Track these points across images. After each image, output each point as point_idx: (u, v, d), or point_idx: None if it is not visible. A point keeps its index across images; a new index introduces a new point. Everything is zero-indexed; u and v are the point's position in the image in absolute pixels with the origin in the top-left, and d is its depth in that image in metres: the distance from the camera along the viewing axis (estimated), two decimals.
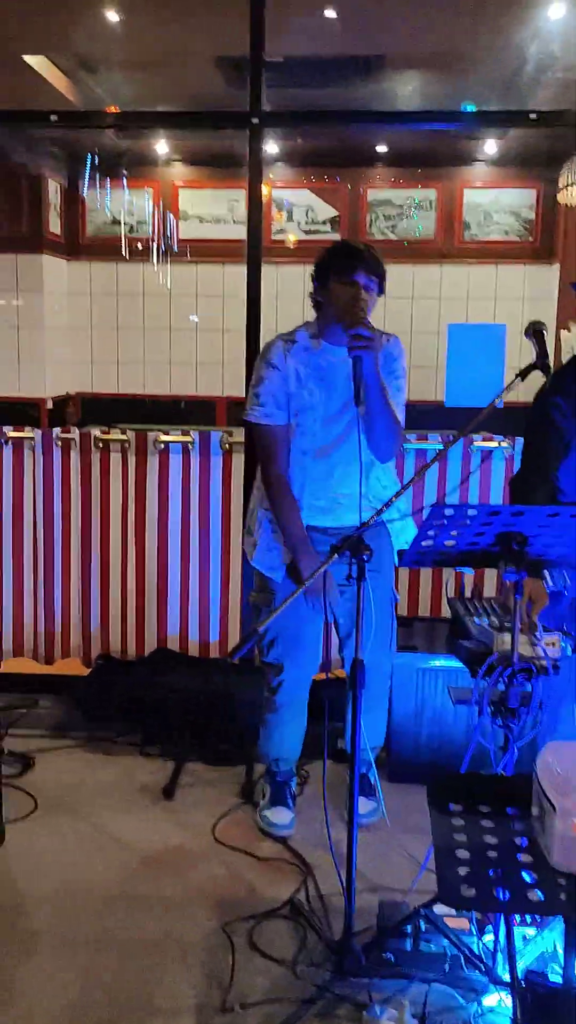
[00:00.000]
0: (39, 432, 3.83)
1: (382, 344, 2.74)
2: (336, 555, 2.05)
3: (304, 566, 2.74)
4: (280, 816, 2.95)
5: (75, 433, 3.84)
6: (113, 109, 5.07)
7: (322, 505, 2.81)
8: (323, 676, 3.59)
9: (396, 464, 3.70)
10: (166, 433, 3.81)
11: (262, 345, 3.50)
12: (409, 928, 2.27)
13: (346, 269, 2.63)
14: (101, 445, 3.80)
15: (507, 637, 2.07)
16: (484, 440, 3.73)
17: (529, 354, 2.27)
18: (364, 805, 2.97)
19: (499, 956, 2.08)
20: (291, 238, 7.31)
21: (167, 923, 2.48)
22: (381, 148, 7.06)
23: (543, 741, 2.46)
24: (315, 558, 2.75)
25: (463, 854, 1.61)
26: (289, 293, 6.99)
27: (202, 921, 2.49)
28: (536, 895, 1.51)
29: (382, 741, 3.13)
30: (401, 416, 2.77)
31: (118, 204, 7.37)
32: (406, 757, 3.23)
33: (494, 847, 1.63)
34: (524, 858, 1.60)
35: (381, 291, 2.70)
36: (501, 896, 1.52)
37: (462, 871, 1.57)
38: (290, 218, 7.39)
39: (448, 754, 3.19)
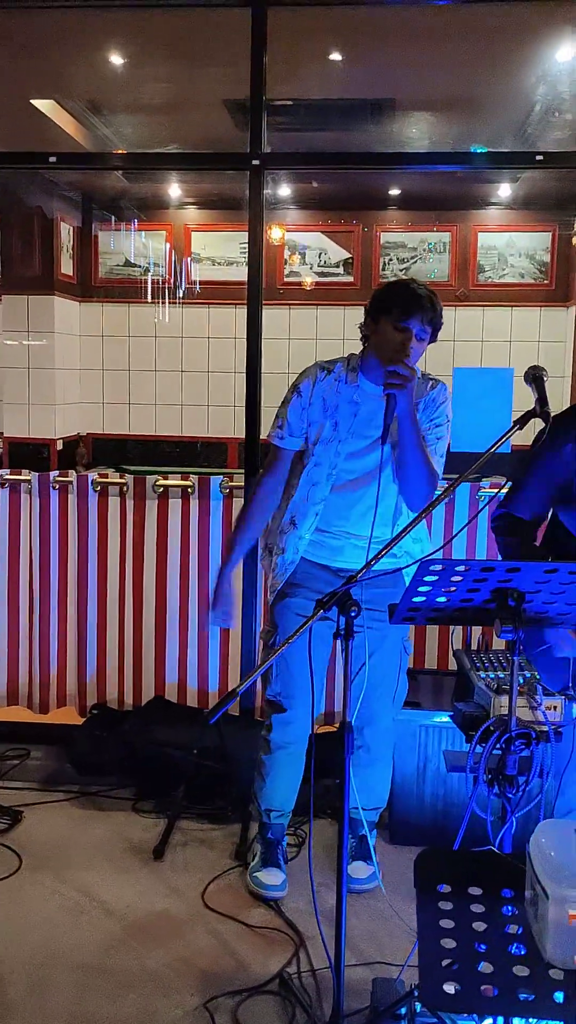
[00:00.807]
0: (36, 476, 3.76)
1: (425, 388, 2.67)
2: (321, 610, 1.94)
3: (218, 584, 2.81)
4: (272, 878, 2.80)
5: (72, 476, 3.76)
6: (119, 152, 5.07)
7: (334, 544, 2.71)
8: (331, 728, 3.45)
9: None
10: (165, 477, 3.72)
11: (267, 387, 3.47)
12: (404, 1010, 2.12)
13: (402, 314, 2.54)
14: (99, 489, 3.72)
15: (505, 700, 1.95)
16: (492, 486, 3.61)
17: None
18: (362, 870, 2.83)
19: None
20: (306, 280, 7.28)
21: (147, 1000, 2.34)
22: (394, 191, 7.04)
23: (561, 812, 2.33)
24: (226, 582, 2.80)
25: (449, 943, 1.48)
26: (302, 335, 6.96)
27: (185, 997, 2.35)
28: (528, 995, 1.37)
29: (384, 802, 2.98)
30: (440, 466, 2.68)
31: (131, 246, 7.38)
32: (408, 818, 3.09)
33: (484, 935, 1.49)
34: (516, 950, 1.46)
35: (433, 340, 2.63)
36: (489, 994, 1.39)
37: (447, 964, 1.43)
38: (303, 260, 7.36)
39: (452, 816, 3.05)
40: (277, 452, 2.75)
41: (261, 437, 3.44)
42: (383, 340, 2.57)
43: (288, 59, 4.18)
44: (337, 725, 3.08)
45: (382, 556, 1.97)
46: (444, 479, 3.77)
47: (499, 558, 3.33)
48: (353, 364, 2.68)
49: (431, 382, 2.70)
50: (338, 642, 2.59)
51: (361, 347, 2.72)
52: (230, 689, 3.56)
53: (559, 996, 1.40)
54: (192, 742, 3.25)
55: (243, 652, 3.60)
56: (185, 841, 3.12)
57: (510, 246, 7.07)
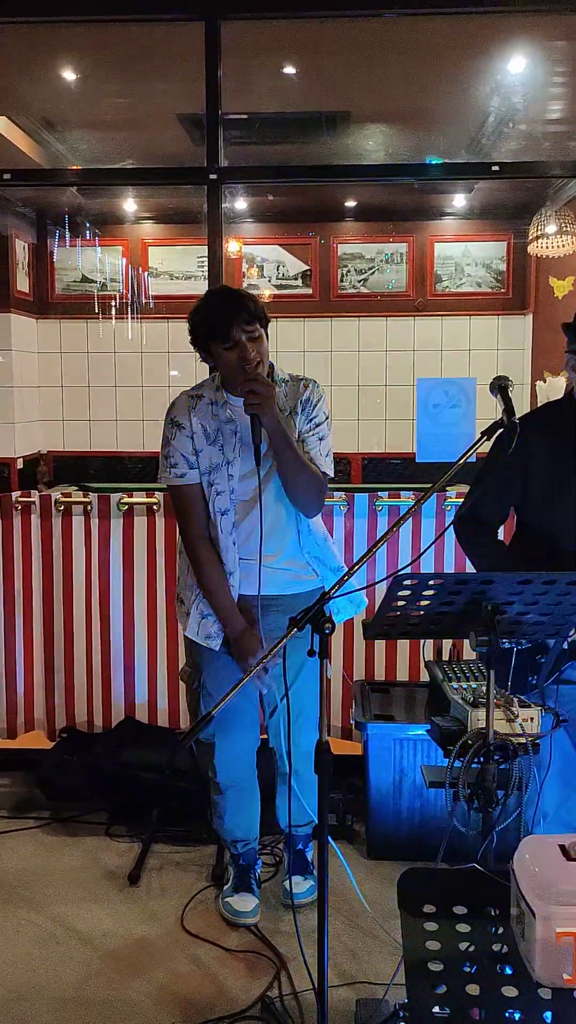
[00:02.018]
0: None
1: (298, 390, 2.60)
2: (296, 630, 1.90)
3: (240, 642, 2.59)
4: (244, 904, 2.75)
5: (35, 496, 3.70)
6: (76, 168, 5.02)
7: (267, 570, 2.60)
8: None
9: (368, 523, 3.60)
10: (130, 495, 3.68)
11: None
12: None
13: (221, 334, 2.47)
14: (62, 508, 3.67)
15: (482, 713, 1.93)
16: (458, 496, 3.61)
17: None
18: (301, 884, 2.79)
19: None
20: (264, 294, 7.27)
21: None
22: (351, 203, 7.06)
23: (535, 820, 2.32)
24: (249, 627, 2.60)
25: (436, 966, 1.45)
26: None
27: None
28: (515, 1016, 1.35)
29: (315, 817, 2.84)
30: (329, 466, 2.63)
31: (87, 262, 7.32)
32: (384, 832, 3.07)
33: (471, 956, 1.47)
34: (503, 969, 1.44)
35: (265, 327, 2.54)
36: (477, 1017, 1.37)
37: (435, 987, 1.41)
38: (262, 274, 7.35)
39: (429, 829, 3.03)
40: (185, 491, 2.61)
41: None
42: (224, 365, 2.51)
43: (242, 73, 4.18)
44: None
45: (355, 570, 1.95)
46: (409, 488, 3.78)
47: (468, 564, 3.33)
48: (218, 384, 2.62)
49: (302, 382, 2.63)
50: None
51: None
52: (187, 707, 3.54)
53: (548, 1016, 1.38)
54: (165, 763, 3.21)
55: None
56: (160, 865, 3.07)
57: (466, 256, 7.12)
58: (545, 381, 6.57)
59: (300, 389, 2.62)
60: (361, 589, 2.55)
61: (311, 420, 2.60)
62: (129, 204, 7.06)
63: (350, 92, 4.83)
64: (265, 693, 2.70)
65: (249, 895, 2.77)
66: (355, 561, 1.99)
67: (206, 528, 2.62)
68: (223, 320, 2.47)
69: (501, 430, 2.03)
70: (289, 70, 4.42)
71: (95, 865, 3.07)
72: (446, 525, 3.56)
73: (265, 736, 2.89)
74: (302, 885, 2.80)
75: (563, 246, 5.87)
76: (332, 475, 2.65)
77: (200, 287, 7.12)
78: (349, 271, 7.18)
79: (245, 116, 4.87)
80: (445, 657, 3.44)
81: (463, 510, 2.47)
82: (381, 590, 2.89)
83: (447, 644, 3.52)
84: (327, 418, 2.65)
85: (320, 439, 2.61)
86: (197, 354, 2.61)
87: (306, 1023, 2.31)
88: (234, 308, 2.47)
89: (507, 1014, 1.38)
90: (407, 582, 1.78)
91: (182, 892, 2.91)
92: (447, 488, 3.73)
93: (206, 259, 7.27)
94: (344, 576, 1.95)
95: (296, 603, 2.51)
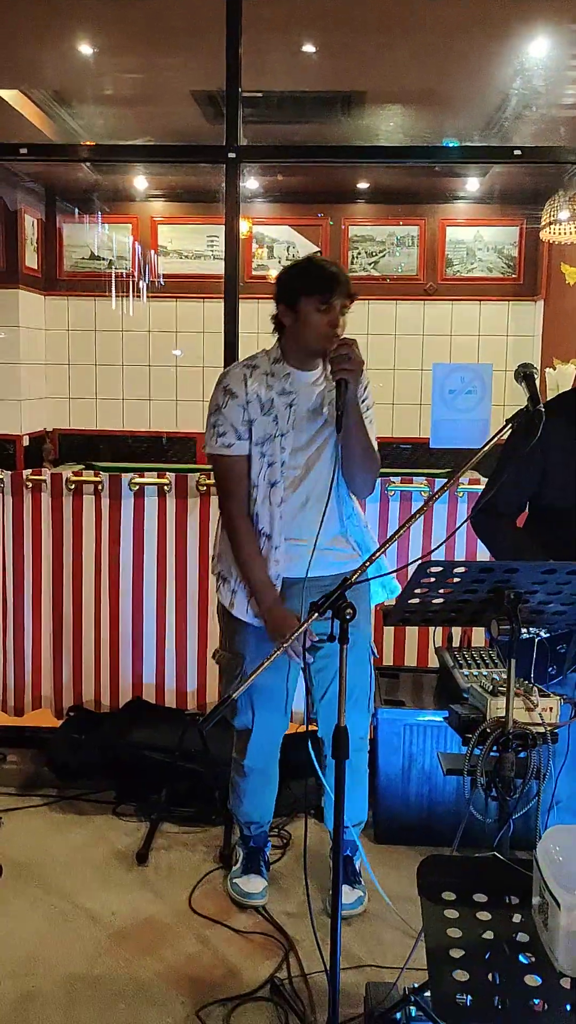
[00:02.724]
0: (9, 474, 3.68)
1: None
2: (317, 614, 1.90)
3: (273, 617, 2.55)
4: (253, 885, 2.75)
5: (46, 475, 3.69)
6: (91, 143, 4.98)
7: (297, 550, 2.57)
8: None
9: (380, 508, 3.59)
10: (141, 475, 3.67)
11: None
12: (399, 1015, 2.10)
13: (324, 293, 2.46)
14: (73, 487, 3.65)
15: (501, 702, 1.93)
16: (471, 483, 3.60)
17: (514, 392, 2.15)
18: (349, 894, 2.72)
19: None
20: (272, 275, 7.23)
21: (136, 1010, 2.30)
22: (363, 184, 7.01)
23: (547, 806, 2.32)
24: (284, 608, 2.56)
25: (458, 953, 1.46)
26: (269, 328, 6.91)
27: (175, 1006, 2.31)
28: (540, 1005, 1.36)
29: (365, 816, 2.87)
30: (375, 447, 2.63)
31: (96, 239, 7.28)
32: (394, 817, 3.07)
33: (492, 944, 1.47)
34: (526, 958, 1.44)
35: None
36: (500, 1006, 1.37)
37: (457, 975, 1.41)
38: (271, 254, 7.32)
39: (438, 815, 3.04)
40: (231, 463, 2.57)
41: None
42: (308, 324, 2.48)
43: (259, 50, 4.14)
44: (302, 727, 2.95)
45: (376, 557, 1.94)
46: (421, 473, 3.77)
47: (479, 552, 3.32)
48: (275, 356, 2.59)
49: None
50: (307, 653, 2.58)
51: (277, 339, 2.63)
52: (218, 693, 3.54)
53: (568, 1007, 1.39)
54: (173, 744, 3.21)
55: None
56: (168, 845, 3.08)
57: (478, 240, 7.08)
58: (555, 368, 6.55)
59: None
60: (384, 575, 2.54)
61: (363, 402, 2.58)
62: (140, 182, 7.01)
63: (367, 72, 4.79)
64: (307, 666, 2.63)
65: (258, 877, 2.78)
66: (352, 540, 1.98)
67: (247, 504, 2.58)
68: (331, 278, 2.47)
69: (515, 423, 2.01)
70: (307, 48, 4.38)
71: (103, 844, 3.08)
72: (466, 516, 3.55)
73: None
74: (351, 895, 2.73)
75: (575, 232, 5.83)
76: (378, 458, 2.64)
77: (210, 267, 7.08)
78: (360, 253, 7.14)
79: (260, 94, 4.83)
80: (455, 644, 3.45)
81: (481, 503, 2.46)
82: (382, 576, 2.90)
83: (457, 631, 3.52)
84: (372, 402, 2.66)
85: (370, 422, 2.61)
86: (276, 309, 2.57)
87: (315, 1005, 2.32)
88: (340, 276, 2.49)
89: (529, 1003, 1.38)
90: (432, 569, 1.77)
91: (190, 872, 2.92)
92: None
93: (216, 238, 7.27)
94: (366, 562, 1.95)
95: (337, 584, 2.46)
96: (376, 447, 2.64)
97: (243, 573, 2.58)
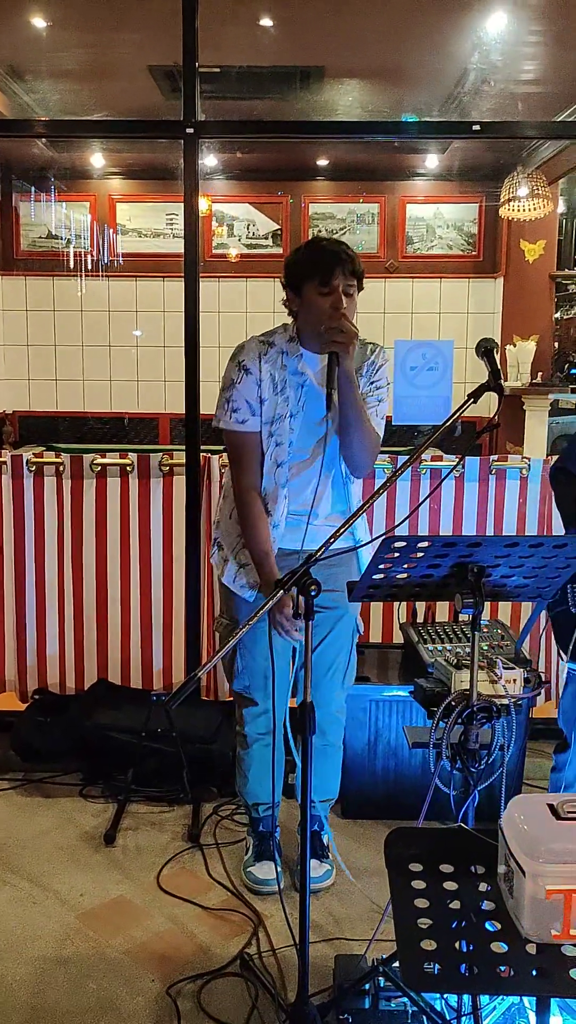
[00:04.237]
0: None
1: (364, 353, 2.59)
2: (281, 591, 1.90)
3: (267, 591, 2.54)
4: (266, 872, 2.72)
5: (6, 457, 3.64)
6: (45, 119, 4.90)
7: (305, 526, 2.58)
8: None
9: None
10: (103, 455, 3.64)
11: (203, 361, 3.39)
12: (368, 986, 2.12)
13: (323, 276, 2.44)
14: (34, 468, 3.62)
15: (465, 675, 1.94)
16: (433, 459, 3.62)
17: (475, 369, 2.16)
18: (316, 869, 2.74)
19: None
20: (231, 253, 7.19)
21: (108, 989, 2.30)
22: (323, 162, 6.98)
23: None
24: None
25: (425, 923, 1.47)
26: (232, 308, 6.87)
27: (146, 984, 2.32)
28: (507, 971, 1.38)
29: (336, 793, 2.88)
30: (381, 428, 2.61)
31: (53, 218, 7.19)
32: (360, 792, 3.09)
33: (459, 914, 1.49)
34: (492, 926, 1.47)
35: (360, 288, 2.54)
36: (467, 973, 1.39)
37: (425, 945, 1.43)
38: (231, 232, 7.27)
39: (404, 789, 3.07)
40: (244, 439, 2.56)
41: (202, 412, 3.38)
42: (312, 309, 2.47)
43: (217, 25, 4.09)
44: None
45: (342, 533, 1.94)
46: (384, 451, 3.78)
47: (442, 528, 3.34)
48: (291, 334, 2.58)
49: (369, 346, 2.63)
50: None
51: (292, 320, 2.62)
52: (185, 671, 3.52)
53: (535, 971, 1.41)
54: (139, 724, 3.21)
55: (187, 630, 3.55)
56: (136, 825, 3.08)
57: (438, 217, 7.09)
58: (515, 345, 6.58)
59: (367, 352, 2.61)
60: (351, 550, 2.54)
61: (373, 382, 2.58)
62: (97, 159, 6.92)
63: (325, 47, 4.76)
64: (298, 646, 2.63)
65: (271, 863, 2.74)
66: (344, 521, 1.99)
67: (259, 478, 2.58)
68: (329, 261, 2.44)
69: (475, 398, 2.01)
70: (265, 22, 4.34)
71: (70, 826, 3.07)
72: (423, 492, 3.56)
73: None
74: (319, 870, 2.75)
75: (535, 209, 5.86)
76: (382, 437, 2.63)
77: (169, 245, 7.03)
78: (320, 231, 7.12)
79: (218, 69, 4.78)
80: (420, 619, 3.47)
81: (558, 461, 2.48)
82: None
83: (421, 607, 3.55)
84: (388, 384, 2.65)
85: (379, 401, 2.60)
86: (284, 294, 2.56)
87: (285, 979, 2.34)
88: (341, 255, 2.46)
89: (496, 969, 1.40)
90: (396, 544, 1.77)
91: (158, 852, 2.92)
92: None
93: (175, 216, 7.20)
94: (330, 539, 1.95)
95: (333, 559, 2.45)
96: (382, 427, 2.62)
97: (251, 547, 2.57)
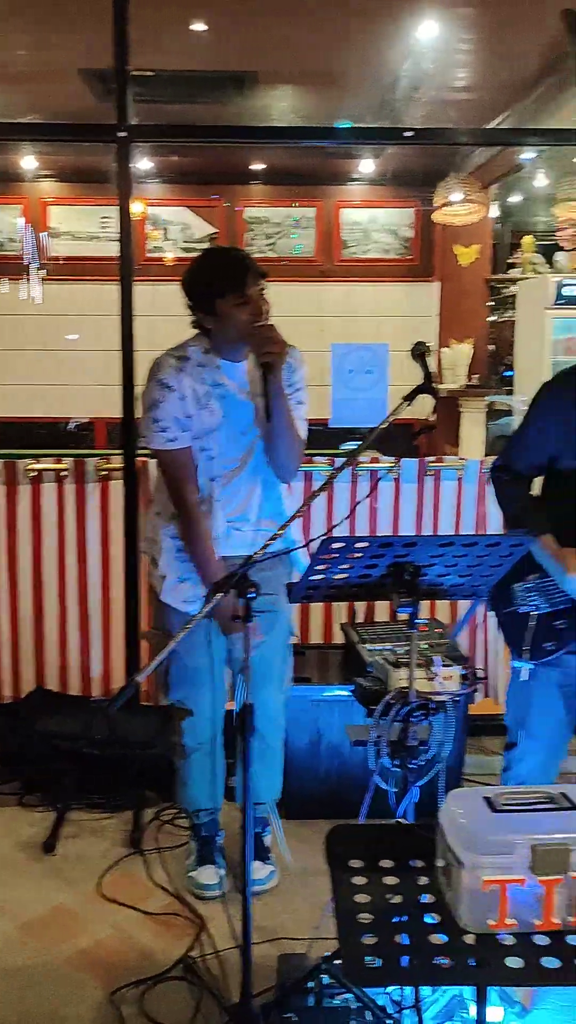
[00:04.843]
0: None
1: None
2: (220, 594, 1.91)
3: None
4: (208, 876, 2.71)
5: None
6: None
7: (238, 533, 2.60)
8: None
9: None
10: (37, 460, 3.60)
11: (138, 364, 3.37)
12: (312, 984, 2.14)
13: (238, 287, 2.42)
14: None
15: (403, 673, 1.97)
16: (372, 461, 3.65)
17: (412, 372, 2.19)
18: (259, 871, 2.73)
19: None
20: (169, 256, 7.17)
21: (50, 998, 2.28)
22: (258, 166, 7.00)
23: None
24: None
25: (366, 918, 1.49)
26: (167, 312, 6.84)
27: (89, 991, 2.30)
28: (444, 961, 1.40)
29: (279, 793, 2.88)
30: (303, 431, 2.62)
31: None
32: (302, 793, 3.10)
33: (399, 907, 1.51)
34: (431, 918, 1.49)
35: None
36: (408, 966, 1.41)
37: (365, 939, 1.45)
38: (166, 236, 7.25)
39: (346, 788, 3.08)
40: (177, 456, 2.53)
41: (138, 416, 3.36)
42: (231, 323, 2.44)
43: (149, 28, 4.08)
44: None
45: (280, 535, 1.96)
46: (323, 453, 3.81)
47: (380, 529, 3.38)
48: (204, 346, 2.54)
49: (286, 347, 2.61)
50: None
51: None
52: (125, 676, 3.50)
53: (473, 961, 1.43)
54: (79, 731, 3.18)
55: (127, 635, 3.53)
56: (77, 833, 3.05)
57: (373, 222, 7.16)
58: (451, 348, 6.68)
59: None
60: (286, 552, 2.56)
61: (291, 384, 2.56)
62: (28, 161, 6.85)
63: (259, 52, 4.78)
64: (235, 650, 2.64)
65: (213, 868, 2.73)
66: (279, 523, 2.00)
67: (197, 494, 2.55)
68: (240, 273, 2.42)
69: (410, 401, 2.04)
70: (197, 27, 4.34)
71: (9, 835, 3.03)
72: (360, 496, 3.60)
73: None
74: (262, 871, 2.74)
75: (468, 214, 5.95)
76: (304, 439, 2.63)
77: (104, 248, 6.97)
78: (256, 235, 7.14)
79: (151, 73, 4.77)
80: (359, 620, 3.50)
81: (499, 460, 2.48)
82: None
83: (361, 607, 3.59)
84: (304, 384, 2.64)
85: (299, 403, 2.60)
86: (192, 316, 2.52)
87: (228, 980, 2.34)
88: (247, 262, 2.45)
89: (435, 961, 1.42)
90: (334, 545, 1.79)
91: (99, 859, 2.90)
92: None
93: (109, 219, 7.15)
94: (268, 541, 1.96)
95: (268, 562, 2.46)
96: (305, 429, 2.64)
97: (199, 563, 2.55)
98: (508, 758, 2.52)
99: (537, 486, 2.49)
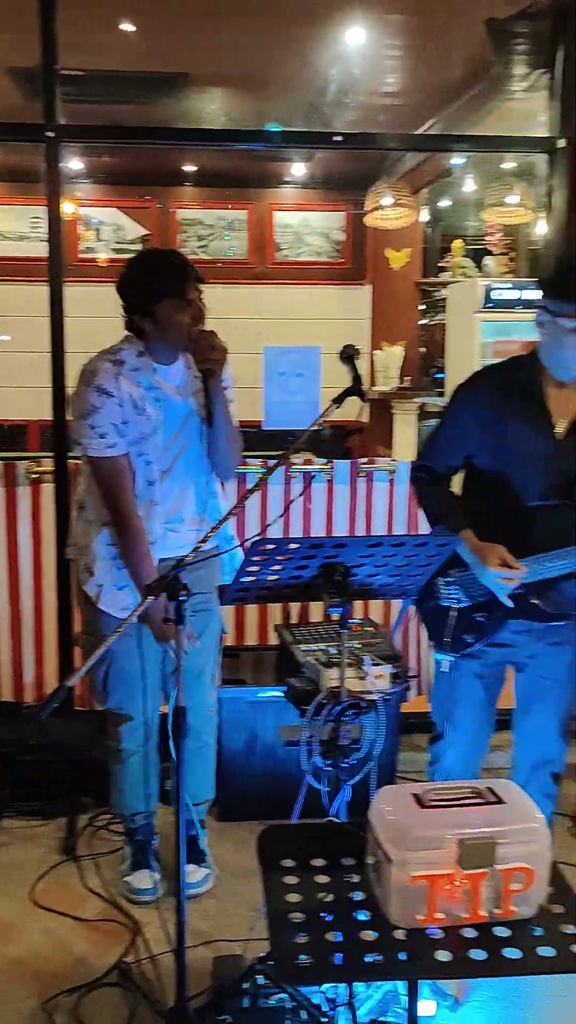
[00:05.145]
0: None
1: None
2: (152, 596, 1.90)
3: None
4: (143, 881, 2.70)
5: None
6: None
7: (173, 535, 2.59)
8: None
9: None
10: None
11: (69, 366, 3.34)
12: (247, 985, 2.14)
13: (180, 291, 2.40)
14: None
15: (334, 673, 1.99)
16: (305, 463, 3.67)
17: (345, 375, 2.22)
18: (194, 874, 2.73)
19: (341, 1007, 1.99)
20: (101, 257, 7.11)
21: None
22: (190, 167, 6.99)
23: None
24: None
25: (297, 917, 1.50)
26: (100, 312, 6.78)
27: (21, 1000, 2.28)
28: (375, 957, 1.42)
29: (212, 793, 2.88)
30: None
31: None
32: (237, 794, 3.11)
33: (330, 906, 1.53)
34: (362, 915, 1.51)
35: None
36: (339, 963, 1.42)
37: (297, 938, 1.46)
38: (99, 237, 7.19)
39: (282, 789, 3.06)
40: (115, 463, 2.48)
41: (71, 418, 3.33)
42: (171, 327, 2.43)
43: (78, 27, 4.04)
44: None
45: (212, 535, 1.97)
46: (256, 455, 3.81)
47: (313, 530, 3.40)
48: (140, 349, 2.51)
49: None
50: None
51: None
52: (58, 681, 3.46)
53: (403, 956, 1.46)
54: (10, 737, 3.14)
55: (60, 639, 3.49)
56: (9, 840, 3.01)
57: (305, 225, 7.19)
58: (383, 350, 6.74)
59: None
60: (218, 554, 2.56)
61: (223, 381, 2.54)
62: None
63: (189, 54, 4.77)
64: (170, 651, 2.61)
65: (148, 872, 2.71)
66: (212, 523, 2.01)
67: (134, 501, 2.51)
68: (181, 277, 2.41)
69: (339, 403, 2.07)
70: (126, 27, 4.32)
71: None
72: (293, 496, 3.62)
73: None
74: (197, 874, 2.74)
75: (399, 218, 6.01)
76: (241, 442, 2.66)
77: (35, 249, 6.88)
78: (189, 237, 7.12)
79: (81, 72, 4.73)
80: (294, 621, 3.52)
81: (418, 460, 2.54)
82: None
83: (295, 608, 3.60)
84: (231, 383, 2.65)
85: (231, 400, 2.61)
86: (127, 318, 2.49)
87: (164, 985, 2.33)
88: (186, 266, 2.44)
89: (366, 957, 1.44)
90: (264, 546, 1.80)
91: (33, 866, 2.86)
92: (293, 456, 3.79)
93: (39, 220, 7.06)
94: (198, 544, 1.97)
95: (201, 562, 2.44)
96: (237, 425, 2.65)
97: (135, 569, 2.51)
98: (433, 751, 2.57)
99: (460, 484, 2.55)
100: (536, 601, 2.32)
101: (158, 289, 2.42)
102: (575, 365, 2.27)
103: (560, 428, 2.34)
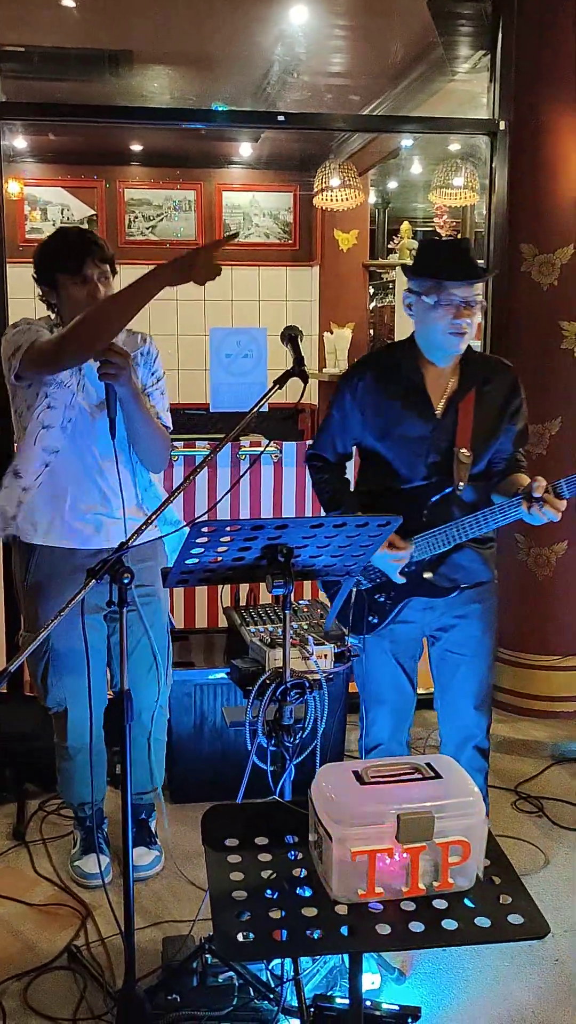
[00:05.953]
0: None
1: (136, 342, 2.59)
2: (94, 580, 1.89)
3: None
4: (92, 865, 2.69)
5: None
6: None
7: (85, 525, 2.55)
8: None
9: (165, 474, 3.60)
10: None
11: None
12: (196, 963, 2.16)
13: (75, 266, 2.43)
14: None
15: (278, 653, 2.00)
16: (252, 444, 3.68)
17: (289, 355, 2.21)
18: (143, 856, 2.75)
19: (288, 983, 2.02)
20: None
21: None
22: (137, 147, 6.90)
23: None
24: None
25: (240, 895, 1.52)
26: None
27: None
28: (317, 932, 1.44)
29: (161, 781, 2.86)
30: (168, 418, 2.63)
31: None
32: (187, 776, 3.13)
33: (273, 883, 1.54)
34: (304, 892, 1.52)
35: (113, 274, 2.55)
36: (279, 938, 1.44)
37: (239, 916, 1.47)
38: (45, 217, 7.08)
39: (231, 770, 3.10)
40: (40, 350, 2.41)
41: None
42: (69, 301, 2.46)
43: (19, 2, 3.98)
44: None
45: (152, 520, 1.96)
46: (204, 438, 3.81)
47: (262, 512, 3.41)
48: (55, 322, 2.52)
49: (139, 335, 2.62)
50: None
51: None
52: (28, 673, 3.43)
53: (344, 930, 1.48)
54: None
55: (8, 627, 3.47)
56: None
57: (254, 206, 7.14)
58: (332, 332, 6.74)
59: (138, 341, 2.59)
60: (159, 538, 2.55)
61: (154, 374, 2.59)
62: None
63: (133, 31, 4.70)
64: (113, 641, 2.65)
65: (98, 856, 2.69)
66: (151, 512, 2.00)
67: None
68: (78, 250, 2.43)
69: (281, 384, 2.08)
70: (67, 2, 4.25)
71: None
72: (240, 474, 3.62)
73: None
74: (147, 857, 2.75)
75: (347, 200, 6.00)
76: (171, 427, 2.65)
77: None
78: (137, 217, 7.04)
79: (22, 49, 4.64)
80: (243, 603, 3.53)
81: (311, 449, 2.61)
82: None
83: (244, 589, 3.61)
84: (162, 371, 2.65)
85: (162, 393, 2.61)
86: (39, 290, 2.52)
87: (114, 966, 2.34)
88: (89, 242, 2.46)
89: (307, 933, 1.46)
90: (205, 529, 1.80)
91: None
92: (240, 437, 3.79)
93: None
94: (141, 526, 1.96)
95: (143, 555, 2.51)
96: (169, 417, 2.65)
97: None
98: (362, 726, 2.62)
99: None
100: (428, 575, 2.41)
101: (55, 261, 2.47)
102: (445, 342, 2.34)
103: (439, 408, 2.42)
